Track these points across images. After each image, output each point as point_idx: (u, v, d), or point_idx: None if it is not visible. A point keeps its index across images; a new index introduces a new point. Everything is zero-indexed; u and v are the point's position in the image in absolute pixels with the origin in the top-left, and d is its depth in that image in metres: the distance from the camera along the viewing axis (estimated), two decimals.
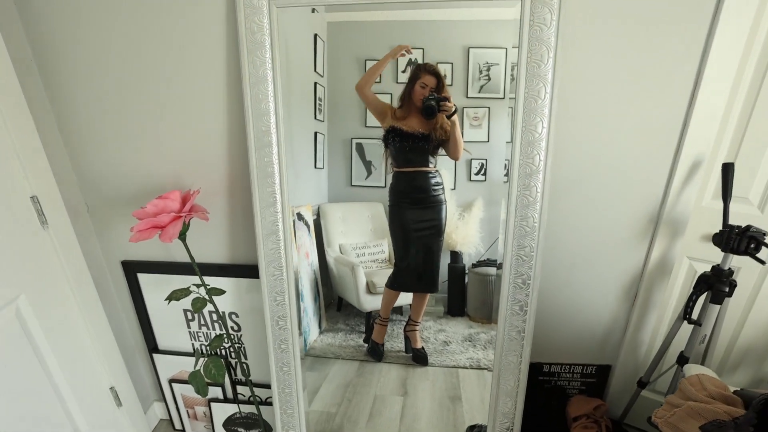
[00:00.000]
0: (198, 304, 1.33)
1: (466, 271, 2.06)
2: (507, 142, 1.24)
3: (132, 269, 1.57)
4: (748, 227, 1.16)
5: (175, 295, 1.34)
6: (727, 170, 1.20)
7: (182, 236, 1.29)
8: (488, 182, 1.89)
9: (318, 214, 2.03)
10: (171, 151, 1.39)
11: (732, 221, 1.21)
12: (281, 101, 1.21)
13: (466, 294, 2.12)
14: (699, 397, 0.99)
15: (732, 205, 1.23)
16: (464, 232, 1.97)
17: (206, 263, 1.52)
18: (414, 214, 1.85)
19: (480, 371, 2.02)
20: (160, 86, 1.31)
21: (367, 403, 1.88)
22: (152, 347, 1.70)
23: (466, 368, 2.04)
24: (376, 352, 2.03)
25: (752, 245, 1.15)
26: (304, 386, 1.46)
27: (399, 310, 2.26)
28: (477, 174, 1.89)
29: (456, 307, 2.15)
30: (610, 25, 1.15)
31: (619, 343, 1.56)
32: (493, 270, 2.02)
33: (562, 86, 1.14)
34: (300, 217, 1.91)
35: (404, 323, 2.09)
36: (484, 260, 2.01)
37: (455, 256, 2.03)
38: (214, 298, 1.40)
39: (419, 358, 2.01)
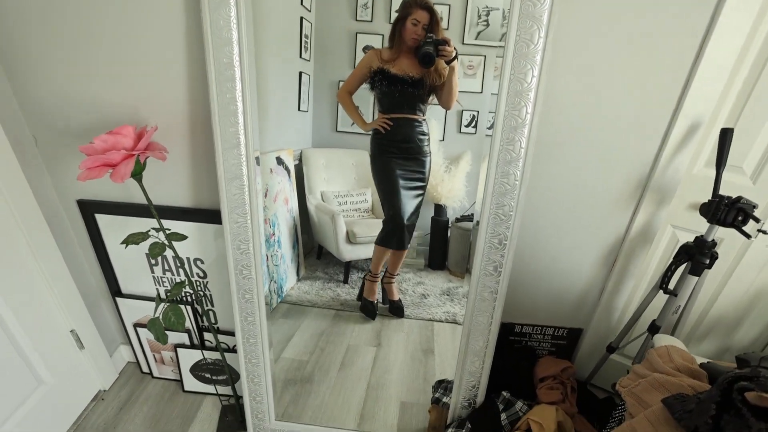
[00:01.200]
0: (156, 250, 1.24)
1: (449, 225, 2.01)
2: (493, 94, 1.13)
3: (89, 209, 1.47)
4: (739, 198, 1.09)
5: (132, 239, 1.25)
6: (725, 136, 1.10)
7: (137, 176, 1.18)
8: (478, 135, 1.80)
9: (300, 160, 1.94)
10: (127, 81, 1.25)
11: (723, 191, 1.14)
12: (246, 29, 1.07)
13: (448, 248, 2.08)
14: (665, 369, 0.96)
15: (724, 174, 1.15)
16: (450, 185, 1.90)
17: (168, 206, 1.42)
18: (398, 164, 1.75)
19: (455, 325, 2.03)
20: (113, 9, 1.15)
21: (339, 353, 1.87)
22: (115, 291, 1.63)
23: (441, 322, 2.04)
24: (368, 310, 2.00)
25: (740, 218, 1.09)
26: (269, 337, 1.41)
27: None
28: (467, 126, 1.79)
29: (437, 261, 2.14)
30: None
31: (593, 308, 1.53)
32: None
33: (557, 29, 1.02)
34: (280, 161, 1.80)
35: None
36: (468, 215, 1.97)
37: (439, 209, 1.98)
38: (177, 243, 1.31)
39: (396, 309, 1.99)
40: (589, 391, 1.62)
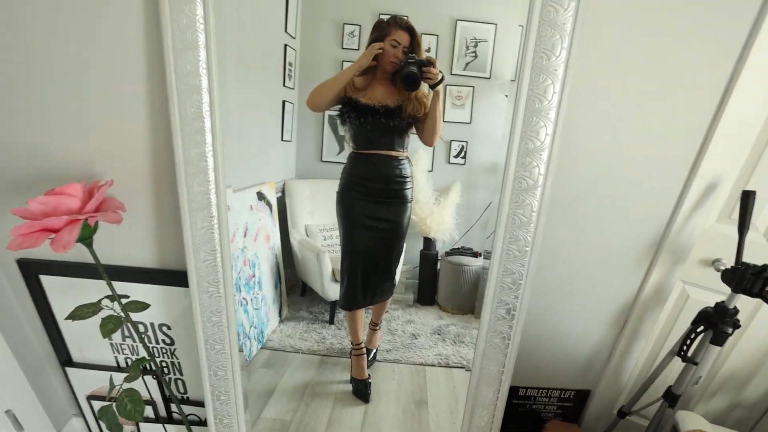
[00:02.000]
0: (109, 326, 1.06)
1: (439, 258, 1.92)
2: (501, 133, 1.02)
3: (31, 270, 1.27)
4: (765, 267, 1.00)
5: (80, 313, 1.08)
6: (747, 199, 1.02)
7: (86, 240, 1.01)
8: (468, 166, 1.75)
9: (283, 191, 1.81)
10: (80, 130, 1.08)
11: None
12: (217, 75, 0.92)
13: (438, 282, 1.99)
14: None
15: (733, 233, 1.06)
16: (439, 218, 1.81)
17: (128, 267, 1.24)
18: (366, 207, 1.54)
19: (448, 370, 1.90)
20: (66, 45, 1.00)
21: (326, 410, 1.70)
22: (65, 360, 1.42)
23: (434, 366, 1.90)
24: (360, 392, 1.75)
25: (767, 288, 0.99)
26: (245, 396, 1.22)
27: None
28: (456, 156, 1.73)
29: (426, 296, 2.05)
30: (636, 17, 0.93)
31: (602, 370, 1.42)
32: (467, 259, 1.89)
33: (574, 84, 0.91)
34: (261, 196, 1.66)
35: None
36: (458, 248, 1.88)
37: (428, 242, 1.90)
38: (137, 313, 1.13)
39: (362, 392, 1.76)
40: None
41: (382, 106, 1.35)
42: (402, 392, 1.79)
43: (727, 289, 1.09)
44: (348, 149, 1.60)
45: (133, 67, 1.00)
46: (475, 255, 1.89)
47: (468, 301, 2.01)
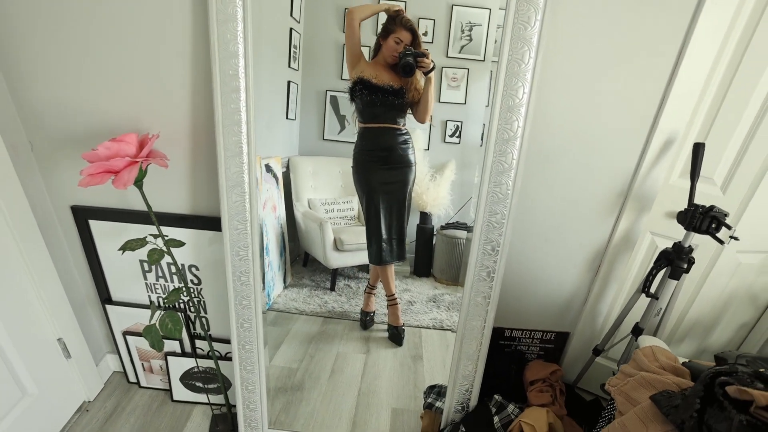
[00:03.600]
0: (154, 256, 1.31)
1: (435, 233, 2.11)
2: (486, 106, 1.25)
3: (83, 215, 1.52)
4: (712, 207, 1.22)
5: (130, 246, 1.31)
6: (698, 150, 1.24)
7: (138, 183, 1.25)
8: (462, 145, 1.92)
9: (287, 167, 2.02)
10: (129, 90, 1.32)
11: (697, 200, 1.27)
12: (251, 43, 1.16)
13: (433, 255, 2.19)
14: (651, 368, 1.06)
15: (698, 185, 1.28)
16: (435, 193, 2.01)
17: (165, 213, 1.49)
18: (380, 175, 1.83)
19: (443, 332, 2.12)
20: (119, 17, 1.23)
21: (329, 360, 1.95)
22: (105, 298, 1.68)
23: (429, 328, 2.13)
24: (362, 320, 2.11)
25: (713, 225, 1.22)
26: (265, 343, 1.48)
27: (365, 268, 2.32)
28: (452, 136, 1.91)
29: (422, 268, 2.23)
30: None
31: (579, 312, 1.65)
32: (461, 233, 2.07)
33: (546, 51, 1.14)
34: (268, 168, 1.88)
35: (366, 282, 2.13)
36: (453, 223, 2.07)
37: (425, 217, 2.08)
38: (173, 250, 1.38)
39: (393, 336, 2.05)
40: (577, 394, 1.73)
41: (389, 86, 1.65)
42: (399, 349, 2.03)
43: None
44: (348, 128, 1.86)
45: (180, 37, 1.23)
46: (469, 229, 2.06)
47: (461, 273, 2.21)
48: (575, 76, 1.24)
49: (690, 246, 1.31)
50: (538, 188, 1.41)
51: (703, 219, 1.23)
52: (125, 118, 1.36)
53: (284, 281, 2.22)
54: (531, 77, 1.13)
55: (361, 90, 1.67)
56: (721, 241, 1.23)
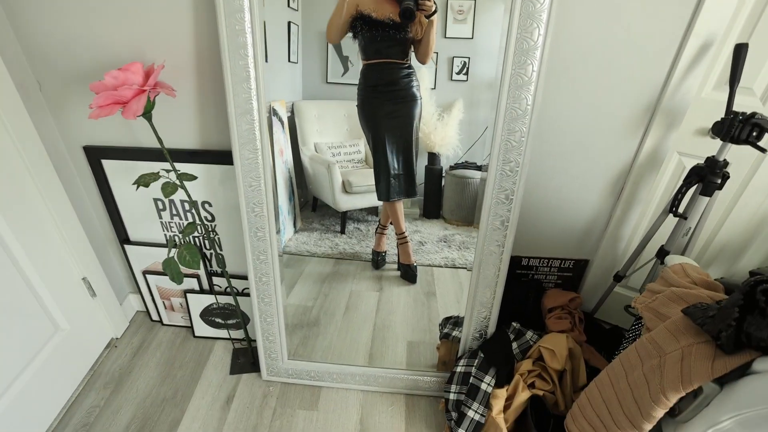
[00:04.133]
0: (168, 189, 1.32)
1: (443, 174, 2.09)
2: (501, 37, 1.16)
3: (95, 155, 1.53)
4: (753, 114, 1.14)
5: (144, 180, 1.32)
6: (740, 51, 1.15)
7: (147, 115, 1.25)
8: (470, 83, 1.85)
9: (292, 112, 1.99)
10: (131, 19, 1.28)
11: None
12: None
13: (442, 196, 2.18)
14: (681, 283, 1.04)
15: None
16: (443, 133, 1.97)
17: (175, 149, 1.48)
18: (384, 109, 1.80)
19: (454, 270, 2.13)
20: None
21: (342, 298, 1.99)
22: (123, 239, 1.71)
23: (441, 267, 2.14)
24: (374, 260, 2.10)
25: (755, 133, 1.14)
26: (281, 276, 1.50)
27: (374, 211, 2.32)
28: (459, 73, 1.83)
29: (432, 210, 2.21)
30: None
31: (600, 238, 1.62)
32: (471, 173, 2.05)
33: None
34: (274, 112, 1.86)
35: (377, 224, 2.14)
36: (462, 163, 2.04)
37: (433, 157, 2.04)
38: (186, 184, 1.39)
39: (406, 274, 2.06)
40: (596, 322, 1.74)
41: (391, 20, 1.58)
42: (412, 287, 2.05)
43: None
44: (352, 70, 1.80)
45: None
46: (479, 168, 2.01)
47: (472, 213, 2.16)
48: None
49: (725, 160, 1.25)
50: (558, 103, 1.35)
51: (743, 127, 1.15)
52: (129, 50, 1.33)
53: (294, 226, 2.24)
54: None
55: (361, 26, 1.60)
56: (763, 150, 1.16)
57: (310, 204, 2.33)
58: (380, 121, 1.83)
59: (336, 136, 2.11)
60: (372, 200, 2.08)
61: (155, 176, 1.33)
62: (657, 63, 1.26)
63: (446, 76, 1.83)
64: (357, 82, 1.81)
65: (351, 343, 1.77)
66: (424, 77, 1.83)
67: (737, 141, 1.18)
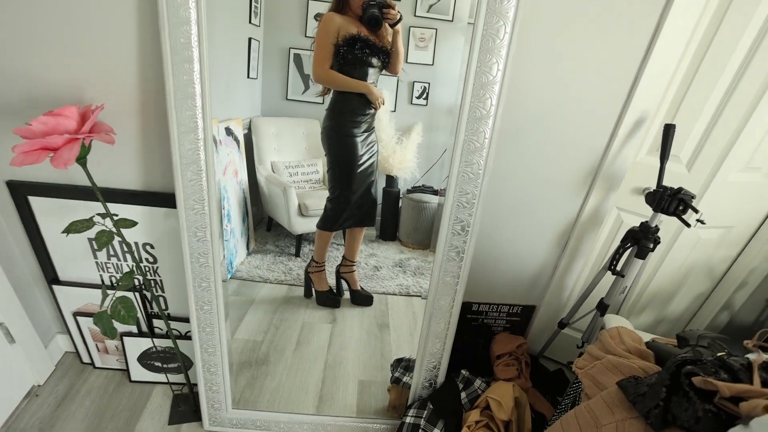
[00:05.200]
0: (103, 239, 1.24)
1: (401, 196, 2.12)
2: (460, 66, 1.20)
3: (21, 191, 1.42)
4: (680, 189, 1.26)
5: (75, 227, 1.24)
6: (669, 131, 1.26)
7: (82, 161, 1.17)
8: (429, 107, 1.90)
9: (249, 129, 1.95)
10: (71, 56, 1.21)
11: (664, 179, 1.31)
12: (205, 7, 1.08)
13: (399, 219, 2.20)
14: (617, 351, 1.11)
15: None
16: (401, 156, 2.00)
17: (114, 189, 1.41)
18: (361, 142, 1.81)
19: (408, 298, 2.16)
20: None
21: (294, 331, 1.96)
22: (51, 279, 1.60)
23: (395, 295, 2.16)
24: (329, 300, 2.06)
25: (680, 207, 1.26)
26: (227, 325, 1.46)
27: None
28: (419, 98, 1.88)
29: (388, 232, 2.24)
30: None
31: (546, 286, 1.71)
32: (427, 197, 2.09)
33: (522, 25, 1.11)
34: (229, 131, 1.81)
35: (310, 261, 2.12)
36: (419, 186, 2.08)
37: (391, 180, 2.07)
38: (125, 230, 1.32)
39: (363, 298, 2.06)
40: (542, 365, 1.82)
41: (383, 46, 1.61)
42: (366, 316, 2.06)
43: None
44: (313, 88, 1.78)
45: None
46: (435, 193, 2.08)
47: (428, 237, 2.22)
48: (550, 49, 1.23)
49: (656, 226, 1.36)
50: (509, 164, 1.42)
51: (671, 201, 1.26)
52: (67, 88, 1.25)
53: (247, 248, 2.18)
54: (506, 53, 1.10)
55: (361, 49, 1.60)
56: (687, 224, 1.28)
57: (265, 223, 2.28)
58: (357, 154, 1.82)
59: (294, 155, 2.08)
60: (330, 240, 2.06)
61: (89, 223, 1.25)
62: (599, 132, 1.36)
63: (406, 100, 1.88)
64: (317, 100, 1.80)
65: (301, 384, 1.74)
66: (384, 99, 1.85)
67: (666, 212, 1.29)
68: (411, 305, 2.14)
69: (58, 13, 1.15)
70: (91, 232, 1.43)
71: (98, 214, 1.27)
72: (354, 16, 1.57)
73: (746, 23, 1.23)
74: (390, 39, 1.62)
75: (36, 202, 1.45)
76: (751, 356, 0.88)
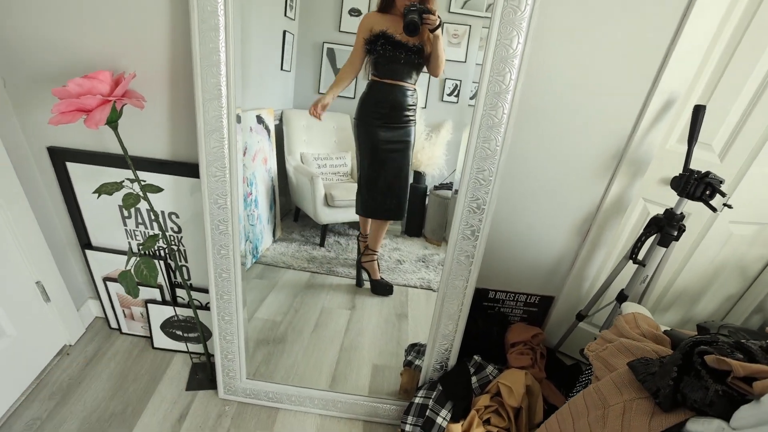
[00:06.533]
0: (129, 201, 1.30)
1: (428, 193, 2.11)
2: (477, 64, 1.20)
3: (60, 157, 1.50)
4: (707, 173, 1.20)
5: (105, 189, 1.30)
6: (698, 113, 1.21)
7: (113, 124, 1.23)
8: (460, 104, 1.88)
9: (281, 120, 1.99)
10: (106, 25, 1.27)
11: (693, 166, 1.25)
12: None
13: (425, 215, 2.19)
14: (631, 335, 1.07)
15: (695, 150, 1.26)
16: (430, 152, 1.99)
17: (144, 157, 1.47)
18: (385, 133, 1.82)
19: (429, 292, 2.14)
20: None
21: (313, 315, 1.98)
22: (85, 243, 1.68)
23: (416, 288, 2.15)
24: (384, 288, 2.11)
25: (707, 192, 1.20)
26: (243, 299, 1.49)
27: (356, 225, 2.32)
28: (450, 95, 1.87)
29: (414, 228, 2.23)
30: None
31: (565, 277, 1.66)
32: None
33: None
34: (260, 120, 1.85)
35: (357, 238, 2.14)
36: (447, 183, 2.07)
37: (418, 176, 2.06)
38: (152, 196, 1.37)
39: (382, 288, 2.07)
40: (558, 358, 1.76)
41: (412, 43, 1.62)
42: (385, 306, 2.05)
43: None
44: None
45: None
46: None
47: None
48: (574, 21, 1.20)
49: (682, 213, 1.30)
50: (529, 145, 1.39)
51: (697, 185, 1.21)
52: (101, 56, 1.31)
53: (273, 235, 2.22)
54: (527, 26, 1.08)
55: (383, 45, 1.62)
56: (713, 209, 1.22)
57: (292, 213, 2.32)
58: (380, 146, 1.85)
59: (323, 148, 2.11)
60: (353, 214, 2.08)
61: (118, 186, 1.31)
62: (625, 114, 1.31)
63: (437, 97, 1.86)
64: (348, 95, 1.82)
65: (315, 364, 1.76)
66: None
67: (692, 197, 1.23)
68: (431, 298, 2.10)
69: None
70: (121, 200, 1.49)
71: (127, 179, 1.32)
72: (396, 17, 1.59)
73: None
74: (424, 40, 1.63)
75: (73, 168, 1.52)
76: None
